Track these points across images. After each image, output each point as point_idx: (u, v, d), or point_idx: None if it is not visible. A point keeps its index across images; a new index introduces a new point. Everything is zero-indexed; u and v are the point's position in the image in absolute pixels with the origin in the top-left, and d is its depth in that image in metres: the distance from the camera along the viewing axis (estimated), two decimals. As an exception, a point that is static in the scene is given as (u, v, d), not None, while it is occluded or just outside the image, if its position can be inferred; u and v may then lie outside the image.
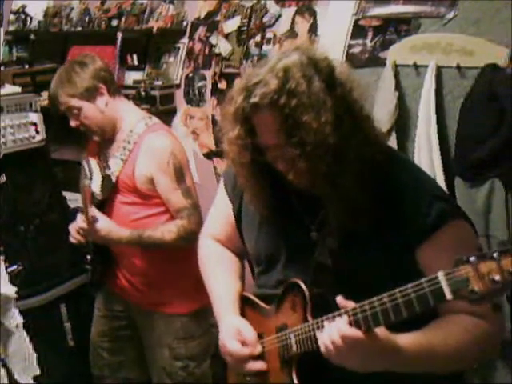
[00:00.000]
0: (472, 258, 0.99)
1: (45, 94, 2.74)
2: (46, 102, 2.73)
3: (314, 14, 2.70)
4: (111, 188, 2.24)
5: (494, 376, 2.25)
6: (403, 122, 2.42)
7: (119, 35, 3.15)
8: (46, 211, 2.67)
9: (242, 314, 1.50)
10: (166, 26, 3.16)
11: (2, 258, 1.99)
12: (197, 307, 2.30)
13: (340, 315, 1.17)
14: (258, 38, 2.88)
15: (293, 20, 2.76)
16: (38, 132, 2.59)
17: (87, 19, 3.47)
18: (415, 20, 2.40)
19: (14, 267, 2.48)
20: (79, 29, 3.50)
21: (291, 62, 1.21)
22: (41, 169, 2.68)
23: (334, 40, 2.57)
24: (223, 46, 3.00)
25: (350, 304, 1.16)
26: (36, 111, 2.60)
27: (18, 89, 2.67)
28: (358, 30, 2.55)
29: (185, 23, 3.15)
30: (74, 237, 2.27)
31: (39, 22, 3.68)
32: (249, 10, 2.92)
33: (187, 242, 2.13)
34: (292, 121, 1.18)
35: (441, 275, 1.03)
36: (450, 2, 2.31)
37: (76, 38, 3.49)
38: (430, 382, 1.28)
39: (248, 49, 2.92)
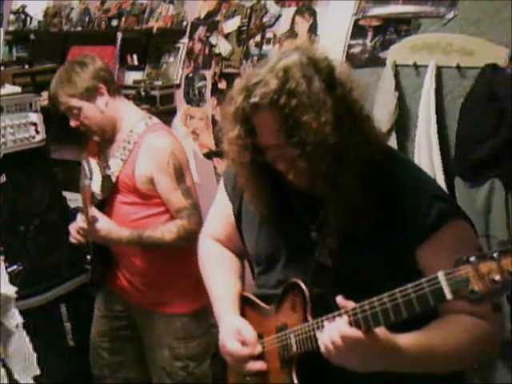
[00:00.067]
0: (472, 258, 0.99)
1: (45, 94, 2.74)
2: (46, 102, 2.73)
3: (313, 14, 2.70)
4: (111, 188, 2.24)
5: (494, 376, 2.25)
6: (403, 122, 2.42)
7: (119, 35, 3.15)
8: (46, 211, 2.67)
9: (242, 313, 1.50)
10: (165, 26, 3.16)
11: (2, 258, 1.99)
12: (197, 307, 2.30)
13: (340, 315, 1.17)
14: (257, 38, 2.88)
15: (293, 20, 2.76)
16: (38, 132, 2.59)
17: (87, 19, 3.47)
18: (415, 20, 2.40)
19: (14, 267, 2.48)
20: (79, 29, 3.50)
21: (291, 62, 1.21)
22: (41, 169, 2.68)
23: (333, 40, 2.57)
24: (223, 46, 3.00)
25: (350, 304, 1.16)
26: (36, 111, 2.60)
27: (18, 89, 2.67)
28: (358, 30, 2.55)
29: (185, 23, 3.15)
30: (74, 237, 2.27)
31: (39, 22, 3.68)
32: (249, 10, 2.92)
33: (187, 242, 2.13)
34: (292, 121, 1.18)
35: (441, 275, 1.03)
36: (449, 2, 2.31)
37: (76, 38, 3.49)
38: (430, 381, 1.28)
39: (248, 49, 2.92)
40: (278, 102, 1.18)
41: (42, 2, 3.68)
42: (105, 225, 2.15)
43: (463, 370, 1.42)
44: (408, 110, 2.42)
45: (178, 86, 3.18)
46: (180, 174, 2.20)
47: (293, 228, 1.39)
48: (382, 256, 1.27)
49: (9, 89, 2.62)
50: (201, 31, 3.10)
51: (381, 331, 1.13)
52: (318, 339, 1.22)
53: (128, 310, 2.41)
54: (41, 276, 2.62)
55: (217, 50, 3.02)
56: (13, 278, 2.25)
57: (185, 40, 3.16)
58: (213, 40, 3.05)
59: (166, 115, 3.03)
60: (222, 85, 2.99)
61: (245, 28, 2.93)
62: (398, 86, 2.41)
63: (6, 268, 2.12)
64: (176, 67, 3.18)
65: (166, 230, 2.16)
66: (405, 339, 1.17)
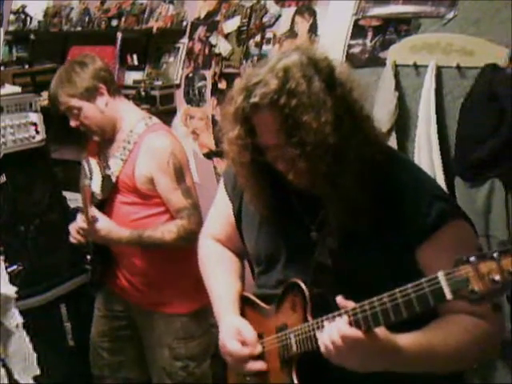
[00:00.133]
0: (472, 258, 0.99)
1: (45, 94, 2.74)
2: (46, 102, 2.73)
3: (313, 13, 2.70)
4: (111, 188, 2.24)
5: (494, 376, 2.25)
6: (403, 122, 2.42)
7: (119, 35, 3.14)
8: (46, 211, 2.67)
9: (242, 313, 1.50)
10: (165, 26, 3.16)
11: (2, 258, 1.99)
12: (197, 307, 2.30)
13: (340, 315, 1.17)
14: (257, 38, 2.88)
15: (293, 20, 2.76)
16: (38, 132, 2.59)
17: (87, 19, 3.47)
18: (415, 20, 2.40)
19: (14, 267, 2.48)
20: (79, 29, 3.50)
21: (291, 62, 1.21)
22: (41, 169, 2.68)
23: (333, 40, 2.57)
24: (223, 46, 3.00)
25: (350, 304, 1.16)
26: (36, 111, 2.60)
27: (18, 89, 2.67)
28: (357, 30, 2.55)
29: (185, 23, 3.15)
30: (74, 237, 2.27)
31: (39, 22, 3.67)
32: (249, 10, 2.92)
33: (187, 242, 2.13)
34: (292, 121, 1.18)
35: (441, 275, 1.03)
36: (449, 2, 2.31)
37: (76, 38, 3.49)
38: (430, 381, 1.28)
39: (248, 49, 2.92)
40: (278, 102, 1.18)
41: (42, 1, 3.68)
42: (105, 225, 2.15)
43: (463, 369, 1.42)
44: (408, 110, 2.42)
45: (178, 86, 3.18)
46: (180, 173, 2.20)
47: (293, 228, 1.39)
48: (382, 256, 1.26)
49: (9, 89, 2.62)
50: (201, 31, 3.10)
51: (381, 331, 1.13)
52: (318, 339, 1.22)
53: (128, 310, 2.41)
54: (41, 276, 2.62)
55: (217, 50, 3.02)
56: (13, 278, 2.24)
57: (185, 40, 3.16)
58: (213, 40, 3.05)
59: (166, 115, 3.03)
60: (222, 85, 2.99)
61: (245, 28, 2.93)
62: (398, 86, 2.41)
63: (6, 268, 2.11)
64: (176, 67, 3.18)
65: (166, 230, 2.16)
66: (405, 339, 1.17)
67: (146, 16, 3.23)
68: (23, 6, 3.74)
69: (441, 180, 2.24)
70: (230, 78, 2.95)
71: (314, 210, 1.33)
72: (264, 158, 1.28)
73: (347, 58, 2.53)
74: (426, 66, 2.32)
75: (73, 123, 2.26)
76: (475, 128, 2.17)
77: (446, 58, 2.29)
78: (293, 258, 1.39)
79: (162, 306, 2.31)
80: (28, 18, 3.71)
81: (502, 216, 2.13)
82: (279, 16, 2.82)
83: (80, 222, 2.20)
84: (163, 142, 2.20)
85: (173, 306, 2.31)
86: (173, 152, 2.19)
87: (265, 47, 2.86)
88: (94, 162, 2.29)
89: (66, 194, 2.88)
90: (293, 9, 2.77)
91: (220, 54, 3.01)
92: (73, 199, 2.88)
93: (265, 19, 2.86)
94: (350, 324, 1.14)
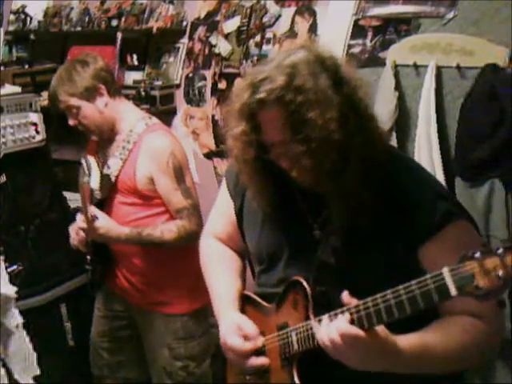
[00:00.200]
0: (477, 254, 0.99)
1: (45, 94, 2.74)
2: (46, 102, 2.72)
3: (313, 13, 2.71)
4: (110, 187, 2.23)
5: (494, 376, 2.25)
6: (403, 121, 2.43)
7: (119, 35, 3.15)
8: (46, 211, 2.67)
9: (243, 312, 1.50)
10: (165, 26, 3.16)
11: (2, 258, 1.99)
12: (197, 307, 2.30)
13: (342, 313, 1.17)
14: (257, 38, 2.89)
15: (292, 20, 2.77)
16: (38, 132, 2.59)
17: (87, 19, 3.47)
18: (415, 20, 2.41)
19: (14, 267, 2.48)
20: (79, 29, 3.50)
21: (298, 59, 1.22)
22: (41, 169, 2.68)
23: (333, 40, 2.57)
24: (223, 46, 3.00)
25: (355, 301, 1.15)
26: (36, 111, 2.60)
27: (18, 89, 2.67)
28: (357, 30, 2.55)
29: (185, 23, 3.15)
30: (74, 238, 2.27)
31: (39, 22, 3.67)
32: (248, 10, 2.92)
33: (187, 242, 2.13)
34: (298, 117, 1.18)
35: (445, 271, 1.03)
36: (449, 2, 2.31)
37: (76, 38, 3.49)
38: (430, 382, 1.28)
39: (248, 49, 2.92)
40: (284, 98, 1.18)
41: (42, 1, 3.68)
42: (104, 223, 2.15)
43: (463, 370, 1.42)
44: (408, 110, 2.43)
45: (178, 86, 3.19)
46: (180, 174, 2.19)
47: (296, 226, 1.38)
48: (385, 255, 1.26)
49: (9, 89, 2.62)
50: (201, 31, 3.10)
51: (381, 331, 1.13)
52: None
53: (128, 310, 2.41)
54: (41, 276, 2.61)
55: (217, 50, 3.03)
56: (13, 278, 2.24)
57: (185, 40, 3.16)
58: (213, 40, 3.05)
59: (166, 115, 3.03)
60: (222, 85, 2.99)
61: (245, 28, 2.93)
62: (398, 86, 2.41)
63: (6, 268, 2.11)
64: (176, 67, 3.18)
65: (166, 230, 2.16)
66: (405, 340, 1.17)
67: (146, 16, 3.23)
68: (23, 6, 3.74)
69: (441, 180, 2.24)
70: (230, 78, 2.95)
71: (317, 208, 1.33)
72: (268, 156, 1.28)
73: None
74: (426, 66, 2.32)
75: (71, 122, 2.26)
76: (475, 128, 2.17)
77: (446, 58, 2.29)
78: (295, 256, 1.39)
79: (162, 305, 2.31)
80: (28, 18, 3.71)
81: (502, 216, 2.13)
82: (279, 16, 2.82)
83: (79, 221, 2.20)
84: (163, 142, 2.20)
85: (173, 305, 2.31)
86: (172, 152, 2.19)
87: (265, 47, 2.86)
88: (92, 159, 2.29)
89: (66, 194, 2.88)
90: (293, 9, 2.77)
91: (220, 54, 3.01)
92: (73, 199, 2.87)
93: (265, 19, 2.86)
94: (353, 322, 1.13)
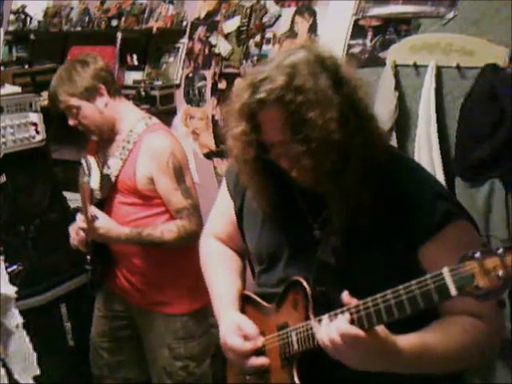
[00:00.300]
0: (477, 254, 0.99)
1: (45, 94, 2.74)
2: (46, 102, 2.73)
3: (313, 13, 2.71)
4: (110, 187, 2.23)
5: (494, 376, 2.25)
6: (403, 121, 2.43)
7: (119, 35, 3.15)
8: (46, 211, 2.67)
9: (243, 312, 1.49)
10: (165, 26, 3.16)
11: (2, 258, 1.99)
12: (197, 307, 2.30)
13: (342, 313, 1.17)
14: (257, 38, 2.89)
15: (292, 20, 2.77)
16: (38, 132, 2.59)
17: (87, 19, 3.47)
18: (415, 20, 2.41)
19: (14, 267, 2.48)
20: (79, 29, 3.50)
21: (298, 59, 1.22)
22: (41, 169, 2.68)
23: (333, 40, 2.57)
24: (223, 46, 3.00)
25: (355, 301, 1.15)
26: (36, 111, 2.60)
27: (18, 89, 2.67)
28: (357, 30, 2.55)
29: (184, 23, 3.15)
30: (74, 238, 2.27)
31: (39, 21, 3.67)
32: (248, 10, 2.92)
33: (187, 242, 2.13)
34: (298, 117, 1.18)
35: (445, 271, 1.03)
36: (449, 2, 2.31)
37: (76, 38, 3.49)
38: (430, 382, 1.28)
39: (248, 49, 2.92)
40: (285, 98, 1.18)
41: (42, 1, 3.68)
42: (104, 223, 2.15)
43: (463, 370, 1.42)
44: (408, 110, 2.43)
45: (178, 86, 3.19)
46: (180, 174, 2.19)
47: (295, 226, 1.38)
48: (385, 255, 1.26)
49: (9, 89, 2.62)
50: (201, 31, 3.10)
51: (381, 330, 1.13)
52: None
53: (128, 310, 2.41)
54: (41, 276, 2.61)
55: (217, 50, 3.03)
56: (13, 278, 2.24)
57: (185, 40, 3.16)
58: (213, 40, 3.05)
59: (166, 115, 3.03)
60: (222, 85, 2.99)
61: (244, 28, 2.93)
62: (398, 86, 2.41)
63: (6, 268, 2.11)
64: (176, 67, 3.18)
65: (166, 230, 2.16)
66: (405, 340, 1.17)
67: (145, 16, 3.23)
68: (23, 6, 3.74)
69: (441, 180, 2.24)
70: (229, 78, 2.95)
71: (317, 208, 1.33)
72: (268, 156, 1.28)
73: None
74: (426, 66, 2.32)
75: (71, 122, 2.26)
76: (475, 128, 2.17)
77: (446, 58, 2.29)
78: (295, 256, 1.39)
79: (162, 305, 2.31)
80: (28, 18, 3.71)
81: (502, 216, 2.13)
82: (279, 16, 2.82)
83: (79, 222, 2.20)
84: (163, 142, 2.20)
85: (173, 305, 2.31)
86: (172, 152, 2.19)
87: (265, 47, 2.86)
88: (92, 159, 2.29)
89: (66, 194, 2.88)
90: (293, 9, 2.77)
91: (220, 54, 3.01)
92: (73, 199, 2.87)
93: (265, 19, 2.86)
94: (353, 321, 1.13)
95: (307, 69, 1.20)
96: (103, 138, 2.29)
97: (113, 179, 2.22)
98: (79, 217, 2.20)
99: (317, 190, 1.30)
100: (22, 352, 1.89)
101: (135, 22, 3.26)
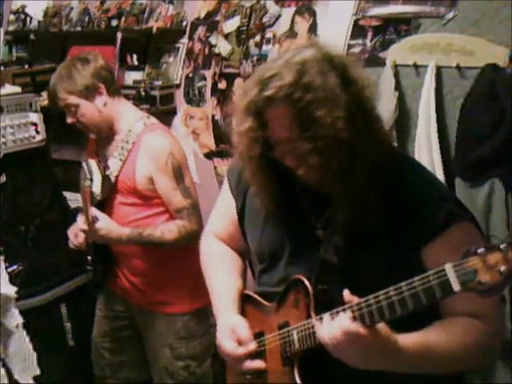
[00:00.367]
0: (480, 250, 0.99)
1: (45, 94, 2.73)
2: (46, 102, 2.72)
3: (313, 13, 2.71)
4: (110, 188, 2.23)
5: (494, 376, 2.25)
6: (403, 121, 2.43)
7: (119, 35, 3.14)
8: (46, 211, 2.67)
9: (243, 312, 1.50)
10: (165, 26, 3.16)
11: (2, 258, 1.99)
12: (198, 307, 2.30)
13: (344, 310, 1.16)
14: (257, 37, 2.88)
15: (292, 20, 2.77)
16: (38, 132, 2.59)
17: (87, 19, 3.46)
18: (415, 20, 2.41)
19: (14, 267, 2.48)
20: (79, 29, 3.49)
21: (307, 57, 1.22)
22: (41, 169, 2.68)
23: (333, 40, 2.56)
24: (223, 46, 3.00)
25: (356, 299, 1.15)
26: (36, 111, 2.60)
27: (18, 89, 2.67)
28: (357, 30, 2.55)
29: (184, 23, 3.15)
30: (72, 241, 2.27)
31: (39, 22, 3.67)
32: (248, 10, 2.92)
33: (187, 242, 2.13)
34: (306, 115, 1.18)
35: (448, 267, 1.03)
36: (449, 2, 2.31)
37: (76, 38, 3.48)
38: (430, 381, 1.28)
39: (248, 49, 2.92)
40: (293, 96, 1.18)
41: (42, 1, 3.68)
42: (105, 224, 2.15)
43: (464, 370, 1.42)
44: (408, 110, 2.43)
45: (178, 86, 3.18)
46: (179, 173, 2.19)
47: (298, 225, 1.38)
48: (388, 255, 1.26)
49: (9, 89, 2.62)
50: (200, 31, 3.10)
51: (383, 329, 1.13)
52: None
53: (129, 310, 2.41)
54: (41, 276, 2.61)
55: (216, 50, 3.02)
56: (13, 278, 2.24)
57: (185, 40, 3.16)
58: (213, 40, 3.05)
59: (166, 115, 3.03)
60: (222, 85, 2.99)
61: (244, 28, 2.93)
62: (398, 86, 2.41)
63: (6, 268, 2.11)
64: (176, 67, 3.18)
65: (167, 230, 2.16)
66: (407, 339, 1.17)
67: (145, 16, 3.23)
68: (23, 6, 3.73)
69: (441, 180, 2.24)
70: (229, 78, 2.95)
71: (321, 207, 1.33)
72: (272, 154, 1.28)
73: (347, 58, 2.53)
74: (426, 66, 2.32)
75: (69, 120, 2.25)
76: (475, 128, 2.17)
77: (446, 58, 2.29)
78: (296, 254, 1.39)
79: (163, 305, 2.31)
80: (28, 18, 3.70)
81: (502, 216, 2.13)
82: (279, 16, 2.82)
83: (80, 223, 2.20)
84: (161, 142, 2.20)
85: (174, 305, 2.31)
86: (171, 152, 2.19)
87: (265, 47, 2.86)
88: (93, 162, 2.29)
89: (66, 194, 2.88)
90: (293, 9, 2.77)
91: (220, 54, 3.01)
92: (73, 199, 2.88)
93: (265, 19, 2.86)
94: (354, 319, 1.13)
95: (316, 67, 1.20)
96: (101, 137, 2.29)
97: (112, 180, 2.22)
98: (80, 218, 2.20)
99: (322, 189, 1.30)
100: (22, 352, 1.89)
101: (135, 22, 3.25)
